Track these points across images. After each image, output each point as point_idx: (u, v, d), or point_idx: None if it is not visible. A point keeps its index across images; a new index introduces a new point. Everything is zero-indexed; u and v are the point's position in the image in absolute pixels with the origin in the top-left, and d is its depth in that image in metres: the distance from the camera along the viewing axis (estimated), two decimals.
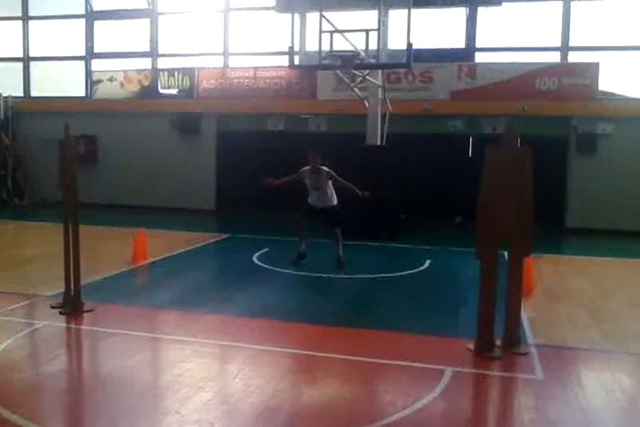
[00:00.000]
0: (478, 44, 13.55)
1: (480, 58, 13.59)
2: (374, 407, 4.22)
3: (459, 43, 13.63)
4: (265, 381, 4.59)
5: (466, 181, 11.12)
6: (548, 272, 8.47)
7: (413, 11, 9.92)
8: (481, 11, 13.36)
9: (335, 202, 8.91)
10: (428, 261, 9.05)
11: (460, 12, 13.57)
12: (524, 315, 5.87)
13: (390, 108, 11.67)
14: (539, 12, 13.28)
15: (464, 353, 5.15)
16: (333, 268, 8.47)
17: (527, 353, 5.18)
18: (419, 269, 8.66)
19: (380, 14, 9.83)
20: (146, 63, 15.58)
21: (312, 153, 8.91)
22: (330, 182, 8.82)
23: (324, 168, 8.83)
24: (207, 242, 10.69)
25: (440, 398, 4.29)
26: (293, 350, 5.24)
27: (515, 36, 13.22)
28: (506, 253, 5.34)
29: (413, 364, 4.91)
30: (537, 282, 7.45)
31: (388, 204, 10.89)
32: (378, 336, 5.68)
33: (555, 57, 13.23)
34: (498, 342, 5.22)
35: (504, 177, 5.13)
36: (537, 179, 5.18)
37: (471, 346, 5.20)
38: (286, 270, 8.34)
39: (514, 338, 5.28)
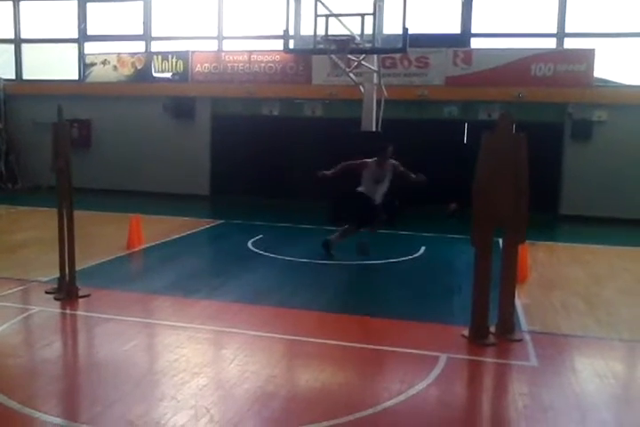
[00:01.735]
0: (474, 30, 13.46)
1: (476, 43, 13.52)
2: (369, 393, 4.25)
3: (454, 28, 13.53)
4: (260, 366, 4.60)
5: (461, 167, 11.16)
6: (543, 259, 8.51)
7: None
8: None
9: (383, 195, 8.43)
10: (422, 248, 9.07)
11: None
12: (518, 302, 5.92)
13: (385, 93, 11.61)
14: None
15: (458, 340, 5.18)
16: (330, 254, 8.46)
17: (521, 340, 5.22)
18: (414, 256, 8.69)
19: None
20: (139, 46, 15.40)
21: (391, 147, 8.33)
22: (391, 176, 8.32)
23: (393, 161, 8.35)
24: (202, 227, 10.68)
25: (434, 384, 4.31)
26: (289, 336, 5.26)
27: (511, 21, 13.15)
28: (500, 241, 5.35)
29: (408, 350, 4.95)
30: (531, 269, 7.50)
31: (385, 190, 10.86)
32: (373, 323, 5.71)
33: (550, 43, 13.17)
34: (492, 329, 5.25)
35: (499, 163, 5.13)
36: (532, 166, 5.18)
37: (466, 333, 5.23)
38: (281, 256, 8.35)
39: (508, 325, 5.31)
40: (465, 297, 5.72)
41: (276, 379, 4.39)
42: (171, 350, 4.89)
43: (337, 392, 4.25)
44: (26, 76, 16.37)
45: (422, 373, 4.48)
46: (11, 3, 16.23)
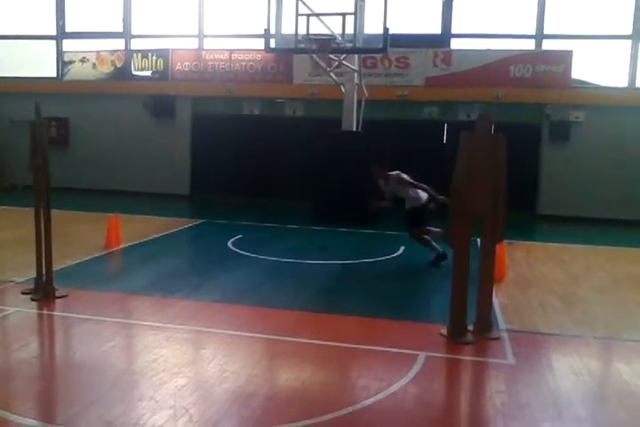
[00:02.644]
0: (454, 30, 13.56)
1: (456, 44, 13.62)
2: (348, 392, 4.27)
3: (435, 28, 13.62)
4: (240, 366, 4.60)
5: (440, 167, 11.24)
6: (520, 259, 8.60)
7: None
8: None
9: (412, 204, 8.11)
10: (402, 248, 9.11)
11: None
12: (495, 301, 5.98)
13: (366, 93, 11.65)
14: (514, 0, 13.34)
15: (437, 338, 5.23)
16: (309, 254, 8.46)
17: (499, 338, 5.28)
18: (393, 255, 8.73)
19: None
20: (119, 44, 15.24)
21: (375, 166, 8.33)
22: (404, 186, 8.10)
23: (392, 174, 8.20)
24: (181, 227, 10.62)
25: (413, 382, 4.35)
26: (268, 336, 5.26)
27: (490, 22, 13.27)
28: (478, 240, 5.40)
29: (387, 349, 4.97)
30: (509, 268, 7.59)
31: (363, 189, 10.90)
32: (352, 322, 5.73)
33: (529, 44, 13.31)
34: (470, 328, 5.30)
35: (477, 163, 5.18)
36: (510, 166, 5.24)
37: (444, 331, 5.28)
38: (261, 256, 8.33)
39: (486, 323, 5.37)
40: (443, 296, 5.76)
41: (255, 378, 4.39)
42: (149, 350, 4.87)
43: (316, 391, 4.26)
44: (2, 74, 16.12)
45: (401, 371, 4.51)
46: None
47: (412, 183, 8.06)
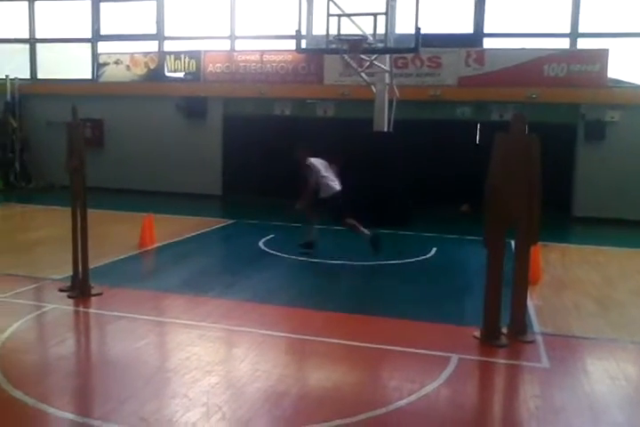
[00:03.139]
0: (487, 30, 13.41)
1: (488, 43, 13.46)
2: (380, 393, 4.26)
3: (467, 28, 13.49)
4: (271, 365, 4.63)
5: (473, 168, 11.11)
6: (555, 261, 8.47)
7: None
8: None
9: (327, 193, 8.47)
10: (434, 249, 9.04)
11: None
12: (530, 303, 5.88)
13: (397, 93, 11.60)
14: None
15: (470, 341, 5.18)
16: (340, 255, 8.47)
17: (533, 341, 5.21)
18: (425, 257, 8.66)
19: None
20: (152, 46, 15.47)
21: (301, 151, 8.69)
22: (315, 173, 8.46)
23: (310, 160, 8.56)
24: (214, 227, 10.71)
25: (445, 385, 4.32)
26: (299, 336, 5.27)
27: (524, 21, 13.08)
28: (513, 242, 5.34)
29: (419, 351, 4.95)
30: (543, 270, 7.47)
31: (396, 190, 10.88)
32: (383, 323, 5.71)
33: (564, 43, 13.09)
34: (504, 330, 5.25)
35: (512, 164, 5.12)
36: (544, 166, 5.16)
37: (477, 334, 5.23)
38: (293, 256, 8.36)
39: (520, 326, 5.30)
40: (476, 298, 5.70)
41: (286, 378, 4.41)
42: (182, 348, 4.93)
43: (348, 392, 4.26)
44: (40, 76, 16.51)
45: (433, 373, 4.48)
46: (26, 3, 16.36)
47: (320, 172, 8.40)
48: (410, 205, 11.53)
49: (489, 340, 5.12)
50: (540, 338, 5.30)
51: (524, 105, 12.14)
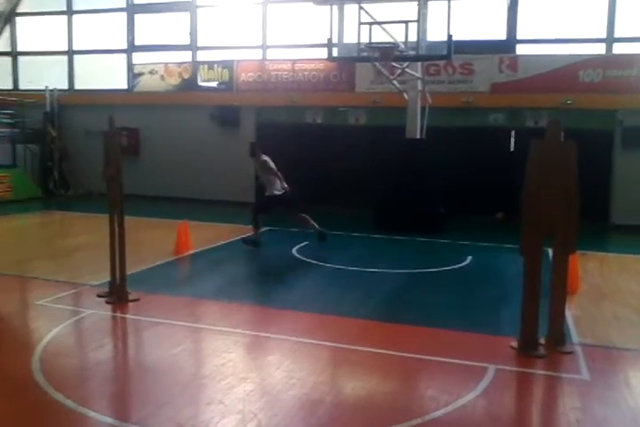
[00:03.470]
0: (520, 36, 13.30)
1: (521, 50, 13.34)
2: (416, 403, 4.22)
3: (500, 34, 13.39)
4: (306, 373, 4.62)
5: (507, 175, 11.01)
6: (593, 270, 8.29)
7: (453, 1, 9.82)
8: (522, 1, 13.12)
9: (272, 191, 9.40)
10: (469, 257, 8.94)
11: (501, 3, 13.33)
12: (568, 313, 5.77)
13: (430, 100, 11.56)
14: (583, 3, 12.95)
15: (507, 351, 5.10)
16: (374, 262, 8.44)
17: (572, 352, 5.10)
18: (460, 265, 8.56)
19: (419, 5, 9.74)
20: (186, 56, 15.73)
21: (255, 147, 9.75)
22: (268, 172, 9.35)
23: (263, 158, 9.41)
24: (248, 234, 10.73)
25: (483, 396, 4.25)
26: (334, 344, 5.26)
27: (558, 27, 12.93)
28: (550, 250, 5.25)
29: (455, 361, 4.88)
30: (582, 280, 7.32)
31: (429, 198, 10.82)
32: (418, 332, 5.67)
33: (599, 49, 12.89)
34: (542, 341, 5.15)
35: (549, 172, 5.05)
36: (582, 174, 5.07)
37: (514, 344, 5.14)
38: (326, 264, 8.36)
39: (558, 337, 5.20)
40: (513, 308, 5.61)
41: (321, 386, 4.40)
42: (218, 354, 4.96)
43: (383, 401, 4.23)
44: (78, 86, 16.90)
45: (470, 384, 4.42)
46: (65, 16, 16.81)
47: (275, 172, 9.22)
48: (443, 212, 11.44)
49: (526, 350, 5.04)
50: (579, 349, 5.19)
51: (559, 111, 11.96)
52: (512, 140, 12.97)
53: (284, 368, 4.69)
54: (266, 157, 9.40)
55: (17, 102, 15.96)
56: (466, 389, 4.33)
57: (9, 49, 17.55)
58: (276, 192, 9.26)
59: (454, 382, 4.56)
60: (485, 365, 4.75)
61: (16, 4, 17.15)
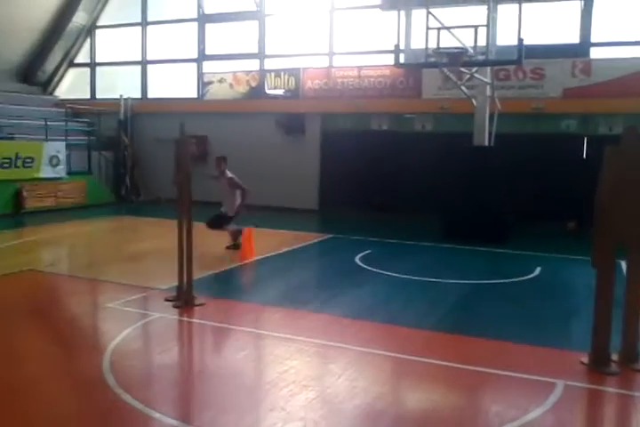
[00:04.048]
0: (594, 39, 12.84)
1: (595, 53, 12.87)
2: (482, 418, 4.12)
3: (573, 38, 12.97)
4: (369, 383, 4.60)
5: (579, 183, 10.62)
6: None
7: (524, 5, 9.59)
8: (597, 3, 12.66)
9: (227, 210, 9.58)
10: (538, 268, 8.66)
11: (575, 5, 12.92)
12: None
13: (499, 106, 11.33)
14: None
15: (577, 367, 4.91)
16: (439, 273, 8.34)
17: None
18: (528, 277, 8.30)
19: (489, 9, 9.55)
20: (254, 64, 16.04)
21: (220, 161, 10.00)
22: (232, 189, 9.49)
23: (230, 175, 9.58)
24: (311, 241, 10.85)
25: (551, 412, 4.11)
26: (396, 354, 5.20)
27: (634, 29, 12.41)
28: (623, 263, 5.02)
29: (522, 375, 4.74)
30: None
31: (496, 206, 10.57)
32: (484, 345, 5.53)
33: None
34: (614, 357, 4.93)
35: (624, 180, 4.85)
36: None
37: (585, 360, 4.94)
38: (389, 273, 8.29)
39: (632, 353, 4.96)
40: (584, 322, 5.40)
41: (385, 396, 4.37)
42: (280, 361, 5.00)
43: (448, 414, 4.15)
44: (150, 95, 17.52)
45: (537, 399, 4.28)
46: (140, 28, 17.48)
47: (243, 189, 9.47)
48: (510, 222, 11.14)
49: (598, 366, 4.83)
50: None
51: (636, 117, 11.46)
52: (584, 147, 12.52)
53: (346, 377, 4.67)
54: (231, 174, 9.69)
55: (94, 111, 16.71)
56: (533, 404, 4.20)
57: (88, 60, 18.42)
58: (230, 214, 9.54)
59: (521, 397, 4.43)
60: (554, 380, 4.58)
61: (96, 18, 17.99)
